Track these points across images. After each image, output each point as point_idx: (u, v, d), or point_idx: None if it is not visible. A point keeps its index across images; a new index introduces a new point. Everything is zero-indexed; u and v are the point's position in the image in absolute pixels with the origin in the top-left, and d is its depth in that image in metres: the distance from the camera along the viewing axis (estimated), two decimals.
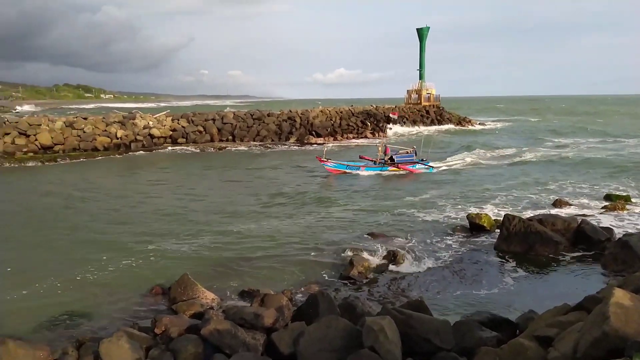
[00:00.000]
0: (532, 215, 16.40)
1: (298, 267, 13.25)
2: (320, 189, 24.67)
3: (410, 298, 10.35)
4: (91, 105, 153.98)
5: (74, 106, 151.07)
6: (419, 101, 69.54)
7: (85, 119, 42.17)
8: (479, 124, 73.00)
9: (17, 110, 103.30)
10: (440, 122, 65.63)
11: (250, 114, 51.57)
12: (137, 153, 39.66)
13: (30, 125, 38.67)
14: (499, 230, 15.05)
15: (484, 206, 20.06)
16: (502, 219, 15.05)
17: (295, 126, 51.79)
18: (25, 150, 37.02)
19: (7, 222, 18.35)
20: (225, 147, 43.73)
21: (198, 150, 42.05)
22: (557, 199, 20.20)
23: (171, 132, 44.84)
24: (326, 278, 12.54)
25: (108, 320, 10.20)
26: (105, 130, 41.10)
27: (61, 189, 24.97)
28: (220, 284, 12.14)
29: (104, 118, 43.16)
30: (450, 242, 15.32)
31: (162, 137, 43.87)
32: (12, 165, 33.49)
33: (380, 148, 30.38)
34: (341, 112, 57.94)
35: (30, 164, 34.00)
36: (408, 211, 19.27)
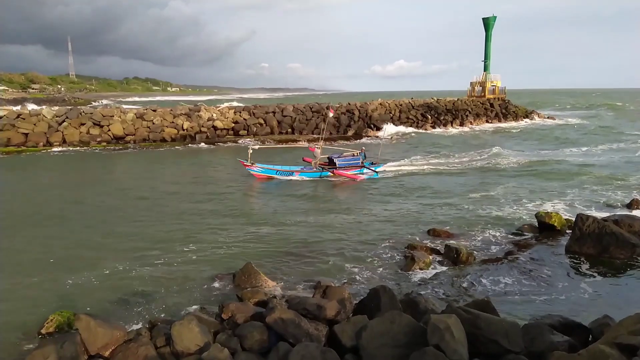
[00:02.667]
0: (607, 215, 15.43)
1: (358, 261, 13.28)
2: (381, 184, 24.46)
3: (475, 297, 10.07)
4: (158, 98, 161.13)
5: (142, 99, 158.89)
6: (482, 94, 67.15)
7: (154, 110, 44.20)
8: (548, 117, 69.49)
9: (97, 103, 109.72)
10: (505, 117, 63.10)
11: (310, 107, 51.94)
12: (200, 145, 40.98)
13: (104, 116, 41.06)
14: (570, 231, 14.28)
15: (551, 204, 19.12)
16: (574, 218, 14.27)
17: (354, 119, 51.64)
18: (99, 140, 39.41)
19: (87, 209, 19.66)
20: (286, 140, 44.38)
21: (259, 144, 42.95)
22: (633, 199, 18.88)
23: (233, 125, 46.04)
24: (386, 273, 12.46)
25: (177, 303, 10.69)
26: (173, 122, 42.87)
27: (131, 178, 26.41)
28: (281, 273, 12.40)
29: (171, 110, 45.02)
30: (517, 241, 14.73)
31: (224, 129, 45.15)
32: (87, 150, 35.71)
33: (319, 150, 26.54)
34: (400, 105, 57.11)
35: (103, 152, 36.13)
36: (470, 207, 18.74)
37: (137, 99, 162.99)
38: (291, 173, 25.89)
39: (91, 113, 41.57)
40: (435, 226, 16.15)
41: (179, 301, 10.86)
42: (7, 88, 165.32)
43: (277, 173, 25.76)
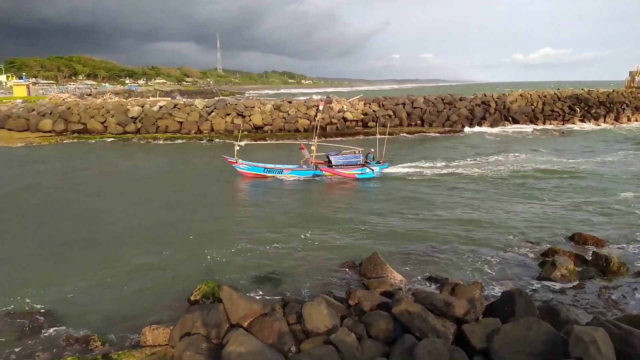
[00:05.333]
0: None
1: (490, 260, 12.65)
2: (524, 180, 22.84)
3: (627, 312, 8.96)
4: (293, 90, 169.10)
5: (279, 91, 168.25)
6: None
7: (290, 102, 46.52)
8: None
9: (247, 95, 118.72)
10: None
11: (441, 98, 50.30)
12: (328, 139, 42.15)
13: (246, 107, 44.31)
14: None
15: None
16: None
17: (489, 111, 48.84)
18: (241, 129, 42.62)
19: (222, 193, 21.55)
20: (415, 132, 43.67)
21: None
22: None
23: (362, 116, 46.48)
24: (522, 276, 11.68)
25: (307, 285, 11.24)
26: (306, 114, 44.70)
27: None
28: (407, 266, 12.32)
29: (305, 102, 46.97)
30: None
31: (354, 120, 45.82)
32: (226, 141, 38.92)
33: (313, 147, 24.73)
34: (544, 97, 52.48)
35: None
36: (622, 210, 16.62)
37: (272, 91, 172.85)
38: (281, 171, 24.28)
39: (235, 104, 45.16)
40: (581, 229, 14.67)
41: (308, 283, 11.40)
42: (165, 81, 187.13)
43: (265, 171, 24.22)
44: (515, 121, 47.95)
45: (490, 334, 6.93)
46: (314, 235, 14.81)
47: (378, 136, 26.27)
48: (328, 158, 24.61)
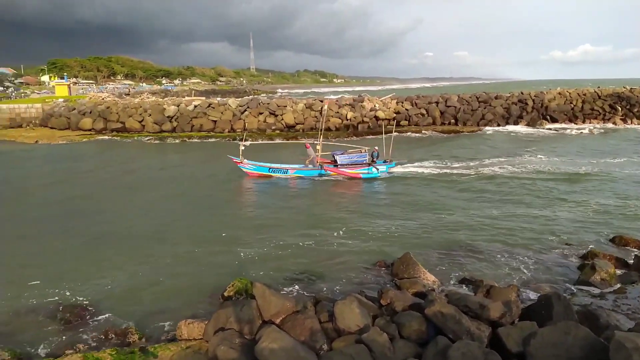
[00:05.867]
0: None
1: (526, 262, 12.36)
2: (562, 180, 22.19)
3: None
4: (325, 89, 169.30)
5: (310, 90, 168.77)
6: None
7: (321, 101, 46.61)
8: None
9: (278, 94, 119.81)
10: None
11: (476, 97, 49.37)
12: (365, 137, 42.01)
13: (279, 106, 44.67)
14: None
15: None
16: None
17: (527, 109, 47.62)
18: (273, 128, 43.07)
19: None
20: (448, 131, 43.04)
21: (419, 135, 42.37)
22: None
23: (395, 115, 46.11)
24: (560, 279, 11.37)
25: (338, 284, 11.27)
26: (338, 112, 44.70)
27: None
28: (440, 267, 12.18)
29: (337, 101, 46.97)
30: None
31: (386, 119, 45.48)
32: (263, 141, 39.35)
33: (318, 147, 24.32)
34: (584, 95, 50.77)
35: (277, 140, 39.39)
36: None
37: (302, 90, 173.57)
38: (286, 171, 24.15)
39: (268, 103, 45.59)
40: (622, 232, 14.15)
41: (339, 282, 11.42)
42: (200, 80, 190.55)
43: (270, 170, 24.10)
44: (554, 120, 46.59)
45: (527, 338, 6.79)
46: (345, 234, 14.81)
47: (384, 135, 25.84)
48: (333, 157, 24.38)
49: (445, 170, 25.03)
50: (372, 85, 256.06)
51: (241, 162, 24.02)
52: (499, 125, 45.70)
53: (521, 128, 44.54)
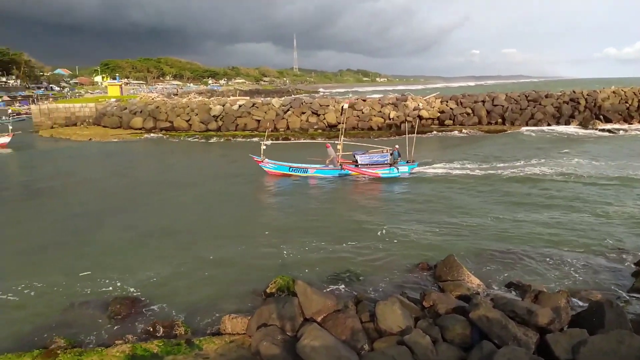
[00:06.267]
0: None
1: (577, 267, 11.88)
2: (616, 182, 21.18)
3: None
4: (367, 89, 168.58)
5: (352, 89, 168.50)
6: None
7: (364, 100, 46.44)
8: None
9: (321, 93, 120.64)
10: None
11: (525, 95, 47.77)
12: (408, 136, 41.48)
13: (321, 106, 44.82)
14: None
15: None
16: None
17: (579, 109, 45.65)
18: (315, 127, 43.27)
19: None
20: (495, 131, 41.92)
21: (468, 133, 41.49)
22: None
23: (439, 114, 45.30)
24: (612, 286, 10.84)
25: (380, 284, 11.20)
26: (380, 112, 44.38)
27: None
28: (485, 270, 11.89)
29: (380, 100, 46.65)
30: None
31: (430, 118, 44.81)
32: (305, 140, 39.59)
33: (339, 146, 24.01)
34: None
35: (319, 139, 39.53)
36: None
37: (343, 89, 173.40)
38: (306, 170, 24.10)
39: (310, 103, 45.84)
40: None
41: (380, 282, 11.35)
42: (244, 80, 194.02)
43: (291, 170, 24.17)
44: (607, 120, 44.44)
45: (577, 346, 6.54)
46: (386, 235, 14.69)
47: (407, 135, 25.40)
48: (354, 157, 24.25)
49: (489, 171, 24.34)
50: (415, 84, 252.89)
51: (262, 162, 24.30)
52: (549, 125, 44.09)
53: (572, 128, 42.78)
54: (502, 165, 26.03)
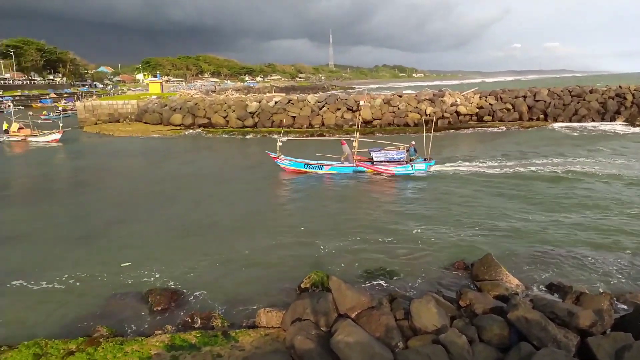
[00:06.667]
0: None
1: (620, 270, 11.44)
2: None
3: None
4: (402, 84, 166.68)
5: (387, 85, 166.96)
6: None
7: (400, 96, 45.97)
8: None
9: (356, 89, 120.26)
10: None
11: (569, 90, 46.10)
12: (443, 132, 40.87)
13: (356, 102, 44.65)
14: None
15: None
16: None
17: (625, 104, 43.68)
18: (350, 124, 43.13)
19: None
20: (540, 126, 40.71)
21: (503, 129, 40.49)
22: None
23: (477, 110, 44.35)
24: None
25: (414, 282, 11.12)
26: (417, 107, 43.82)
27: None
28: (524, 270, 11.60)
29: (416, 96, 46.07)
30: None
31: (468, 114, 43.92)
32: (340, 136, 39.54)
33: (355, 143, 23.75)
34: None
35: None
36: None
37: (376, 85, 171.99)
38: (321, 167, 24.10)
39: (346, 99, 45.74)
40: None
41: (415, 280, 11.27)
42: (280, 77, 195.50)
43: (306, 166, 24.23)
44: None
45: (620, 350, 6.32)
46: (423, 232, 14.55)
47: (425, 133, 24.93)
48: (370, 154, 24.13)
49: (528, 168, 23.65)
50: (453, 79, 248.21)
51: (278, 158, 24.45)
52: (593, 120, 42.44)
53: (618, 125, 41.01)
54: (540, 162, 25.27)
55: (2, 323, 9.65)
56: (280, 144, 24.30)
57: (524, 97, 45.37)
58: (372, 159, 23.90)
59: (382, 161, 23.66)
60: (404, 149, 23.84)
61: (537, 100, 44.64)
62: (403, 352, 7.15)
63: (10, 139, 39.75)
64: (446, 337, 6.95)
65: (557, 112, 43.27)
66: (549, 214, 16.07)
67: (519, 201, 17.95)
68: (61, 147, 37.25)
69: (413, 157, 23.84)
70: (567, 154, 27.62)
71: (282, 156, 24.45)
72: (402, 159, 23.59)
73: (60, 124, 40.85)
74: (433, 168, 23.96)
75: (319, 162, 24.51)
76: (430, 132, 25.56)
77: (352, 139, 24.65)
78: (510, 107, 44.36)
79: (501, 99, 45.24)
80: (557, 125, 41.40)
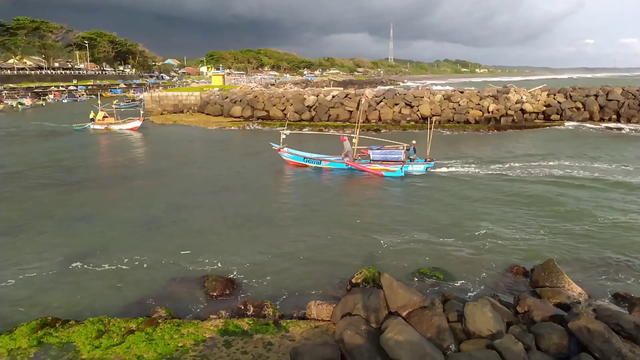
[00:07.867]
0: None
1: None
2: None
3: None
4: (463, 80, 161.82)
5: (446, 80, 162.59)
6: None
7: (461, 92, 44.68)
8: None
9: (405, 83, 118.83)
10: None
11: None
12: (508, 132, 39.33)
13: (415, 97, 43.89)
14: None
15: None
16: None
17: None
18: (408, 119, 42.49)
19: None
20: (611, 128, 38.33)
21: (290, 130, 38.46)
22: None
23: (544, 108, 42.35)
24: None
25: (469, 285, 10.83)
26: (479, 104, 42.43)
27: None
28: (587, 278, 11.00)
29: (478, 92, 44.60)
30: None
31: (534, 112, 42.01)
32: (397, 131, 39.04)
33: (355, 140, 23.56)
34: None
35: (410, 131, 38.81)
36: None
37: (430, 81, 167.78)
38: (319, 162, 24.14)
39: (404, 94, 45.07)
40: None
41: (470, 282, 10.97)
42: (338, 71, 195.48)
43: (305, 160, 24.38)
44: None
45: None
46: (477, 234, 14.10)
47: (428, 131, 24.07)
48: (368, 151, 23.76)
49: (595, 174, 22.32)
50: (519, 75, 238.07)
51: (280, 150, 24.66)
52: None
53: None
54: (605, 167, 23.75)
55: (70, 300, 10.35)
56: (284, 136, 24.63)
57: (596, 95, 42.81)
58: (369, 156, 23.61)
59: (378, 160, 23.24)
60: (403, 148, 23.41)
61: (610, 100, 42.00)
62: (455, 354, 7.00)
63: (96, 126, 42.41)
64: (501, 343, 6.72)
65: (632, 113, 40.49)
66: (614, 220, 15.09)
67: (586, 205, 16.96)
68: (139, 135, 39.32)
69: (412, 157, 23.34)
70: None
71: (285, 148, 24.71)
72: (399, 159, 23.07)
73: (142, 112, 43.52)
74: (431, 169, 23.13)
75: (319, 156, 24.61)
76: (432, 131, 24.57)
77: (352, 135, 24.41)
78: (580, 105, 42.05)
79: (571, 97, 42.95)
80: (628, 126, 38.71)
